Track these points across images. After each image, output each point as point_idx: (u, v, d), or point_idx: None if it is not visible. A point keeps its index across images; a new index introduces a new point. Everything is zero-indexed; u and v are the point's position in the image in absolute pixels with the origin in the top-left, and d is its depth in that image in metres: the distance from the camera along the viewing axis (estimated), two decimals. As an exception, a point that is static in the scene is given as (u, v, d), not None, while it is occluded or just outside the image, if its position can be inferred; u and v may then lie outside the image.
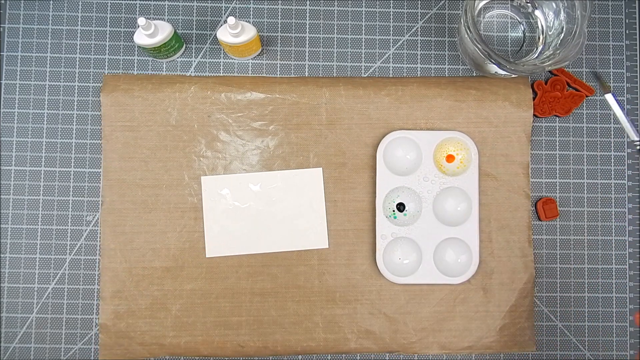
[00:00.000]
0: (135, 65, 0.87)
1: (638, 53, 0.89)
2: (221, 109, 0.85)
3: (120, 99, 0.84)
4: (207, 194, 0.85)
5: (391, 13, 0.89)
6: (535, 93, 0.86)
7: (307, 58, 0.88)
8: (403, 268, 0.83)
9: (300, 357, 0.86)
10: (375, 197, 0.84)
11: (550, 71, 0.88)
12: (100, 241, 0.84)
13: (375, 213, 0.84)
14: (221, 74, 0.87)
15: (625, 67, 0.89)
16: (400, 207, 0.84)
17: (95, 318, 0.85)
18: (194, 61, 0.88)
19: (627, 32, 0.89)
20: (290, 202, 0.85)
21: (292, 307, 0.84)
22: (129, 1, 0.88)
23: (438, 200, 0.84)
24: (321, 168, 0.85)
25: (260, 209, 0.85)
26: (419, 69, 0.88)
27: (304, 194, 0.85)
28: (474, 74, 0.88)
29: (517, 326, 0.85)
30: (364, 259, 0.85)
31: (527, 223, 0.85)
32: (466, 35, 0.79)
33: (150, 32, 0.78)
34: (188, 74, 0.87)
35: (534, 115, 0.86)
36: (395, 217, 0.84)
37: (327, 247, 0.85)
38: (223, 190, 0.85)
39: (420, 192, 0.84)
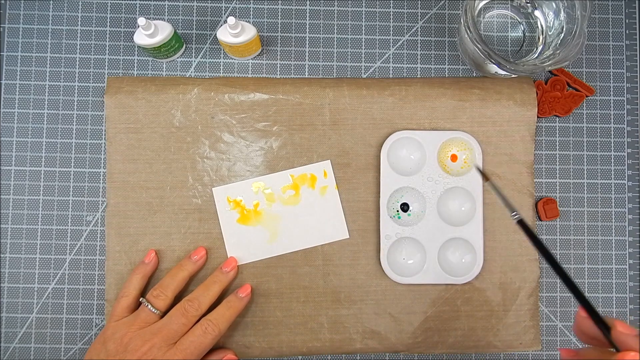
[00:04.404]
0: (135, 65, 0.87)
1: (638, 53, 0.89)
2: (225, 110, 0.85)
3: (123, 101, 0.84)
4: (221, 205, 0.85)
5: (391, 13, 0.89)
6: (535, 93, 0.86)
7: (307, 58, 0.88)
8: (407, 268, 0.84)
9: (300, 357, 0.86)
10: (379, 197, 0.84)
11: (550, 71, 0.88)
12: (105, 243, 0.84)
13: (379, 213, 0.84)
14: (221, 74, 0.87)
15: (625, 67, 0.89)
16: (404, 207, 0.84)
17: (96, 318, 0.85)
18: (194, 61, 0.88)
19: (627, 32, 0.89)
20: (304, 199, 0.85)
21: (297, 307, 0.84)
22: (129, 1, 0.88)
23: (442, 200, 0.84)
24: (329, 160, 0.85)
25: (276, 211, 0.85)
26: (419, 69, 0.88)
27: (316, 189, 0.85)
28: (474, 74, 0.88)
29: (522, 325, 0.85)
30: (369, 259, 0.85)
31: (531, 222, 0.85)
32: (466, 35, 0.79)
33: (150, 32, 0.78)
34: (188, 74, 0.87)
35: (534, 115, 0.87)
36: (399, 217, 0.84)
37: (348, 237, 0.85)
38: (236, 197, 0.85)
39: (425, 192, 0.84)
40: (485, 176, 0.79)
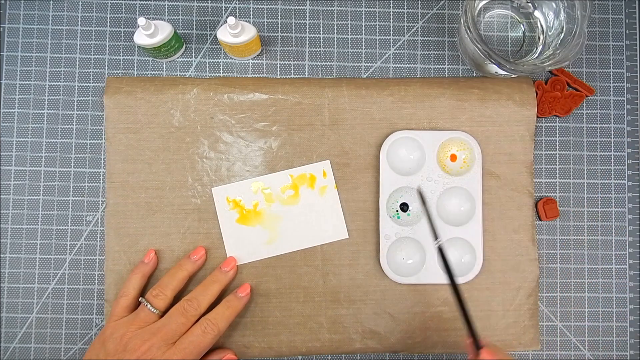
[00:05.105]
0: (135, 65, 0.87)
1: (638, 53, 0.89)
2: (224, 110, 0.85)
3: (123, 101, 0.84)
4: (220, 205, 0.85)
5: (391, 13, 0.89)
6: (535, 93, 0.86)
7: (307, 58, 0.88)
8: (407, 268, 0.84)
9: (300, 357, 0.86)
10: (378, 197, 0.84)
11: (550, 71, 0.88)
12: (105, 243, 0.84)
13: (378, 213, 0.84)
14: (221, 74, 0.87)
15: (625, 67, 0.89)
16: (404, 207, 0.84)
17: (96, 318, 0.85)
18: (194, 61, 0.88)
19: (627, 32, 0.89)
20: (303, 199, 0.85)
21: (296, 307, 0.84)
22: (129, 1, 0.88)
23: (442, 200, 0.84)
24: (329, 160, 0.85)
25: (275, 211, 0.85)
26: (419, 69, 0.88)
27: (315, 189, 0.85)
28: (474, 74, 0.88)
29: (522, 325, 0.85)
30: (368, 259, 0.85)
31: (530, 222, 0.85)
32: (466, 35, 0.79)
33: (150, 32, 0.78)
34: (188, 74, 0.87)
35: (534, 115, 0.87)
36: (398, 217, 0.84)
37: (347, 237, 0.85)
38: (236, 197, 0.85)
39: (424, 192, 0.84)
40: (423, 199, 0.82)
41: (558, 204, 0.87)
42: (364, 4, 0.89)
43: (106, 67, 0.87)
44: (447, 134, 0.84)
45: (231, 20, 0.76)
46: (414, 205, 0.84)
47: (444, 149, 0.84)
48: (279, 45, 0.88)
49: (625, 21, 0.89)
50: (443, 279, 0.83)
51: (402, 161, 0.84)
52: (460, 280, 0.83)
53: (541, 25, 0.87)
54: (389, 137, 0.84)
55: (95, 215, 0.86)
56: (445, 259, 0.76)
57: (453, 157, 0.84)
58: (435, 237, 0.78)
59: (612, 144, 0.88)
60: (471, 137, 0.84)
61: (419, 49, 0.89)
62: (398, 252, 0.84)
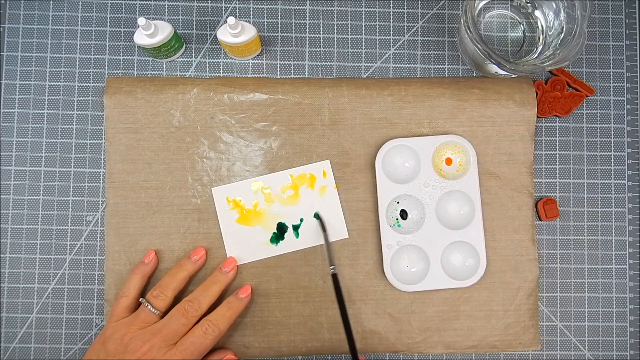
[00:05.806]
0: (135, 65, 0.87)
1: (638, 53, 0.89)
2: (224, 110, 0.84)
3: (123, 101, 0.84)
4: (220, 205, 0.85)
5: (391, 13, 0.89)
6: (535, 93, 0.86)
7: (307, 58, 0.88)
8: (411, 276, 0.83)
9: (300, 357, 0.86)
10: (378, 197, 0.84)
11: (550, 71, 0.88)
12: (105, 243, 0.84)
13: (378, 213, 0.84)
14: (221, 74, 0.87)
15: (625, 67, 0.89)
16: (403, 215, 0.84)
17: (96, 318, 0.85)
18: (194, 61, 0.88)
19: (627, 32, 0.89)
20: (303, 199, 0.85)
21: (296, 307, 0.84)
22: (129, 1, 0.88)
23: (440, 205, 0.84)
24: (329, 160, 0.85)
25: (275, 211, 0.85)
26: (419, 69, 0.88)
27: (315, 189, 0.85)
28: (474, 74, 0.88)
29: (522, 325, 0.85)
30: (368, 259, 0.85)
31: (530, 222, 0.85)
32: (466, 35, 0.79)
33: (150, 32, 0.78)
34: (188, 74, 0.87)
35: (534, 115, 0.87)
36: (399, 226, 0.83)
37: (347, 237, 0.85)
38: (236, 197, 0.85)
39: (422, 198, 0.83)
40: (323, 226, 0.83)
41: (558, 204, 0.87)
42: (364, 4, 0.89)
43: (106, 67, 0.87)
44: (441, 138, 0.84)
45: (231, 20, 0.76)
46: (414, 213, 0.84)
47: (438, 154, 0.84)
48: (279, 45, 0.88)
49: (625, 21, 0.89)
50: (449, 283, 0.83)
51: (398, 170, 0.84)
52: (465, 283, 0.83)
53: (541, 25, 0.87)
54: (383, 146, 0.84)
55: (95, 215, 0.86)
56: (337, 286, 0.78)
57: (448, 161, 0.84)
58: (330, 263, 0.79)
59: (612, 144, 0.88)
60: (465, 139, 0.84)
61: (419, 49, 0.89)
62: (402, 261, 0.83)
